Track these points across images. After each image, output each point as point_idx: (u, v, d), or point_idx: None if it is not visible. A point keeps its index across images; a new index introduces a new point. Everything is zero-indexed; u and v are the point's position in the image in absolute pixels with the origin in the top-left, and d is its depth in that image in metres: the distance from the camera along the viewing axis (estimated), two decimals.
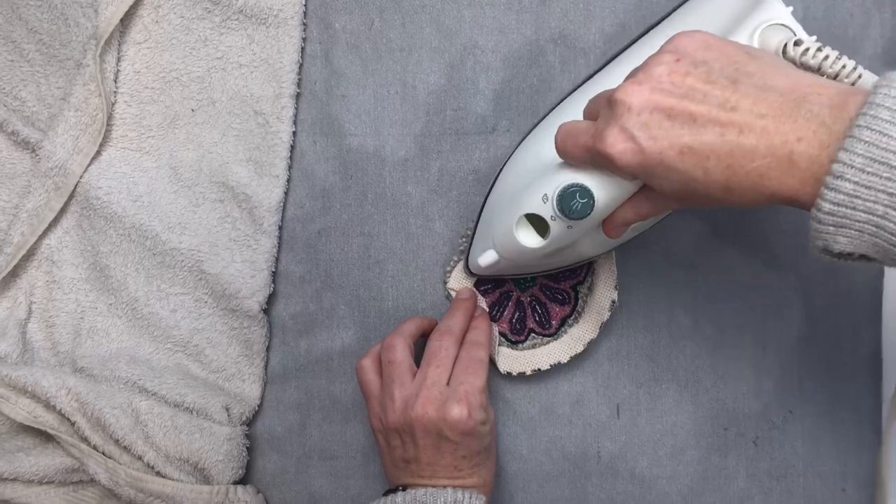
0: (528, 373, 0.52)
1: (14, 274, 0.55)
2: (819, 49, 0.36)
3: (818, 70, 0.36)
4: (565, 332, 0.52)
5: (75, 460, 0.52)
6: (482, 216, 0.49)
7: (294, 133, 0.55)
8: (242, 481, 0.55)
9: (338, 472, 0.55)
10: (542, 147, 0.44)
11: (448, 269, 0.53)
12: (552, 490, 0.53)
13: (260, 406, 0.56)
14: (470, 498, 0.43)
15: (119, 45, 0.54)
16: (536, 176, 0.42)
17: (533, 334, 0.53)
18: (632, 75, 0.35)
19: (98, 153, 0.54)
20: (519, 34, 0.53)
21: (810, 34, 0.50)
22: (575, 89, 0.48)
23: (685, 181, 0.33)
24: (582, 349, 0.52)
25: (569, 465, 0.53)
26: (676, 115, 0.33)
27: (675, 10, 0.45)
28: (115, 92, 0.55)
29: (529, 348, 0.52)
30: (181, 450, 0.51)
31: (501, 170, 0.49)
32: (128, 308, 0.55)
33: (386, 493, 0.46)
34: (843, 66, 0.35)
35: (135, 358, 0.54)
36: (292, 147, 0.55)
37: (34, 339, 0.55)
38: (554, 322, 0.52)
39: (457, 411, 0.44)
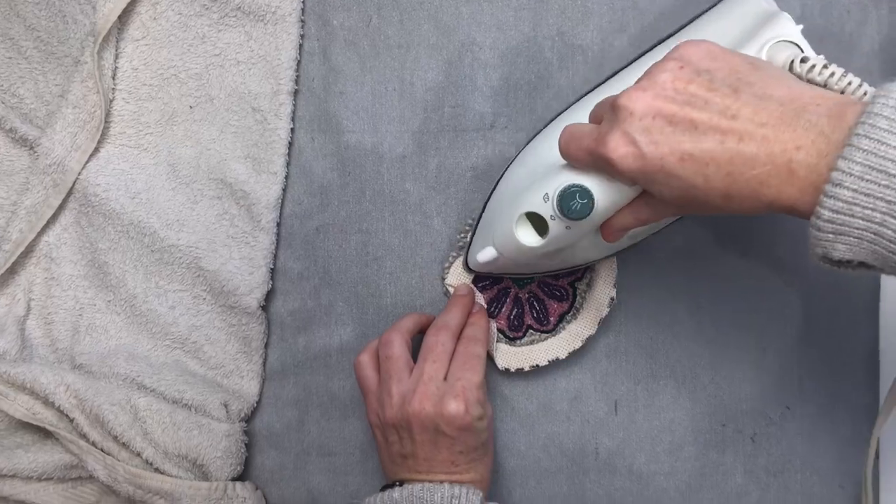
0: (527, 369, 0.52)
1: (12, 271, 0.55)
2: (825, 66, 0.36)
3: (824, 87, 0.37)
4: (563, 328, 0.52)
5: (74, 457, 0.52)
6: (484, 214, 0.49)
7: (292, 130, 0.55)
8: (241, 478, 0.55)
9: (336, 469, 0.55)
10: (546, 149, 0.44)
11: (446, 265, 0.53)
12: (550, 486, 0.53)
13: (258, 403, 0.56)
14: (467, 493, 0.44)
15: (117, 41, 0.54)
16: (539, 176, 0.43)
17: (531, 331, 0.53)
18: (637, 81, 0.36)
19: (96, 150, 0.54)
20: (517, 31, 0.53)
21: (808, 32, 0.50)
22: (584, 95, 0.48)
23: (685, 188, 0.34)
24: (580, 345, 0.52)
25: (567, 462, 0.53)
26: (678, 121, 0.33)
27: (688, 23, 0.46)
28: (113, 89, 0.55)
29: (527, 345, 0.53)
30: (180, 446, 0.52)
31: (506, 170, 0.49)
32: (126, 305, 0.55)
33: (383, 489, 0.46)
34: (849, 83, 0.36)
35: (133, 354, 0.55)
36: (290, 144, 0.55)
37: (33, 336, 0.55)
38: (552, 318, 0.52)
39: (454, 407, 0.44)
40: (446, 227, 0.54)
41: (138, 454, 0.51)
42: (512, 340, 0.53)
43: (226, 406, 0.54)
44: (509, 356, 0.52)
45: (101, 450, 0.52)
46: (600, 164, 0.37)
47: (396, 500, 0.44)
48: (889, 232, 0.29)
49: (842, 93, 0.37)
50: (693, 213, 0.37)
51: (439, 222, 0.54)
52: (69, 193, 0.55)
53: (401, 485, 0.45)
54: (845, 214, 0.30)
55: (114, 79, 0.54)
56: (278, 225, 0.55)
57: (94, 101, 0.53)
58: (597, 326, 0.52)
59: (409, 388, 0.46)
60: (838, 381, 0.51)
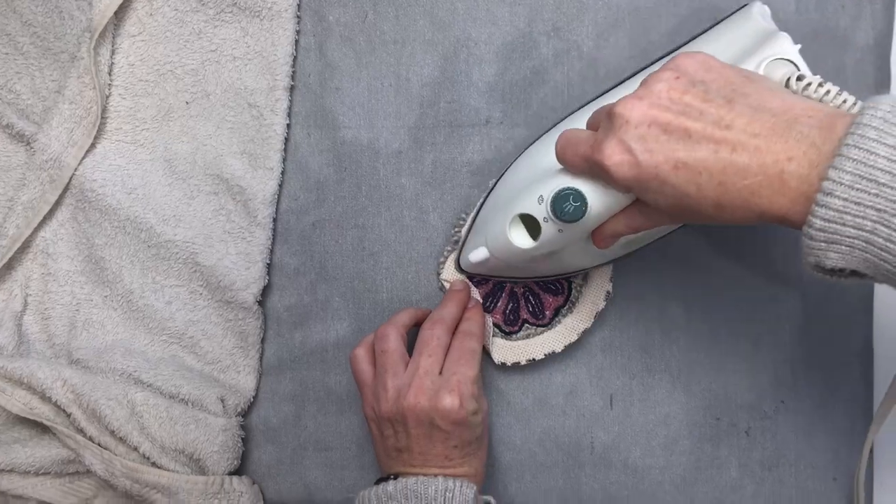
0: (523, 363, 0.52)
1: (9, 266, 0.55)
2: (821, 84, 0.37)
3: None
4: (559, 321, 0.52)
5: (71, 451, 0.52)
6: (479, 216, 0.50)
7: (288, 125, 0.55)
8: (238, 472, 0.55)
9: (332, 463, 0.55)
10: (544, 153, 0.45)
11: (441, 260, 0.54)
12: (546, 480, 0.54)
13: (255, 397, 0.56)
14: (461, 487, 0.44)
15: (113, 37, 0.54)
16: (535, 179, 0.43)
17: (527, 325, 0.53)
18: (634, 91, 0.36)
19: (93, 146, 0.55)
20: (512, 26, 0.53)
21: (803, 27, 0.50)
22: (584, 105, 0.49)
23: (678, 196, 0.34)
24: (576, 338, 0.52)
25: (562, 456, 0.53)
26: (673, 130, 0.34)
27: (688, 41, 0.47)
28: (109, 84, 0.55)
29: (523, 338, 0.53)
30: (177, 441, 0.52)
31: (503, 174, 0.50)
32: (123, 300, 0.55)
33: (377, 482, 0.46)
34: (844, 101, 0.37)
35: (130, 350, 0.55)
36: (286, 139, 0.55)
37: (30, 331, 0.56)
38: (548, 312, 0.53)
39: (448, 401, 0.44)
40: (442, 222, 0.54)
41: (135, 449, 0.51)
42: (508, 335, 0.53)
43: (222, 401, 0.54)
44: (505, 350, 0.52)
45: (99, 444, 0.52)
46: (595, 171, 0.37)
47: (391, 493, 0.44)
48: (879, 239, 0.30)
49: None
50: (686, 222, 0.37)
51: (435, 217, 0.54)
52: (66, 189, 0.55)
53: (395, 478, 0.45)
54: (836, 223, 0.30)
55: (110, 74, 0.55)
56: (274, 220, 0.55)
57: (91, 96, 0.53)
58: (592, 320, 0.52)
59: (404, 382, 0.46)
60: (832, 375, 0.52)
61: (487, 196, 0.50)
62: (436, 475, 0.45)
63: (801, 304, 0.52)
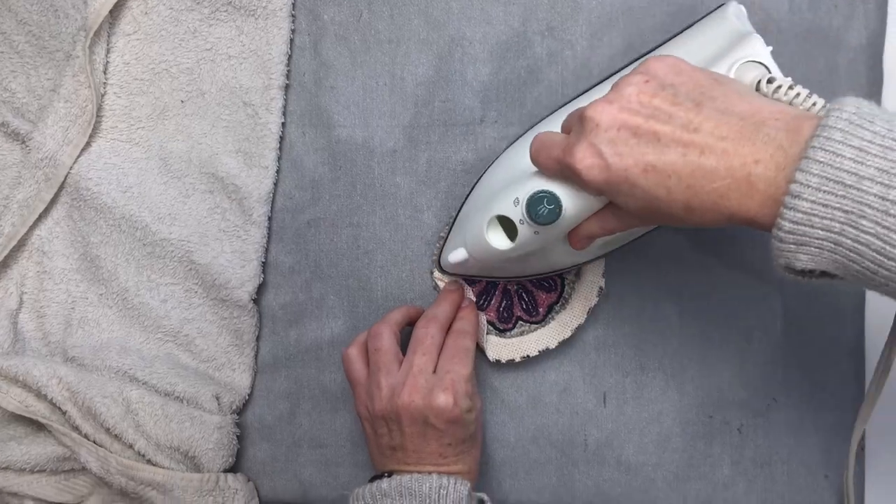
0: (517, 360, 0.52)
1: (5, 264, 0.56)
2: (791, 87, 0.37)
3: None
4: (553, 318, 0.53)
5: (67, 449, 0.53)
6: (458, 217, 0.50)
7: (283, 124, 0.55)
8: (233, 469, 0.55)
9: (327, 460, 0.56)
10: (521, 155, 0.45)
11: (435, 258, 0.54)
12: (539, 477, 0.54)
13: (250, 395, 0.56)
14: (455, 484, 0.44)
15: (108, 36, 0.54)
16: (512, 181, 0.44)
17: (520, 322, 0.53)
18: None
19: (88, 144, 0.55)
20: (506, 26, 0.53)
21: (796, 27, 0.51)
22: (560, 107, 0.50)
23: (648, 199, 0.35)
24: (570, 334, 0.52)
25: (556, 453, 0.54)
26: (642, 133, 0.34)
27: (664, 42, 0.48)
28: (104, 83, 0.55)
29: (517, 335, 0.53)
30: (172, 438, 0.52)
31: (482, 175, 0.50)
32: (118, 298, 0.55)
33: (372, 480, 0.46)
34: (814, 104, 0.37)
35: (125, 348, 0.55)
36: (281, 138, 0.55)
37: (25, 329, 0.56)
38: (541, 309, 0.53)
39: (443, 399, 0.45)
40: (436, 220, 0.54)
41: (130, 446, 0.52)
42: (502, 332, 0.53)
43: (217, 398, 0.54)
44: (500, 348, 0.53)
45: (94, 442, 0.52)
46: (567, 174, 0.38)
47: (385, 490, 0.44)
48: (847, 241, 0.30)
49: None
50: (658, 224, 0.37)
51: (429, 216, 0.54)
52: (61, 187, 0.55)
53: (389, 476, 0.45)
54: (805, 225, 0.31)
55: (105, 73, 0.55)
56: (269, 219, 0.55)
57: (86, 95, 0.53)
58: (586, 315, 0.52)
59: (398, 381, 0.46)
60: (824, 372, 0.52)
61: (467, 197, 0.50)
62: (430, 473, 0.45)
63: (792, 302, 0.52)
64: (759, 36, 0.42)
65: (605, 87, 0.47)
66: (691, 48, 0.45)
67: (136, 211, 0.54)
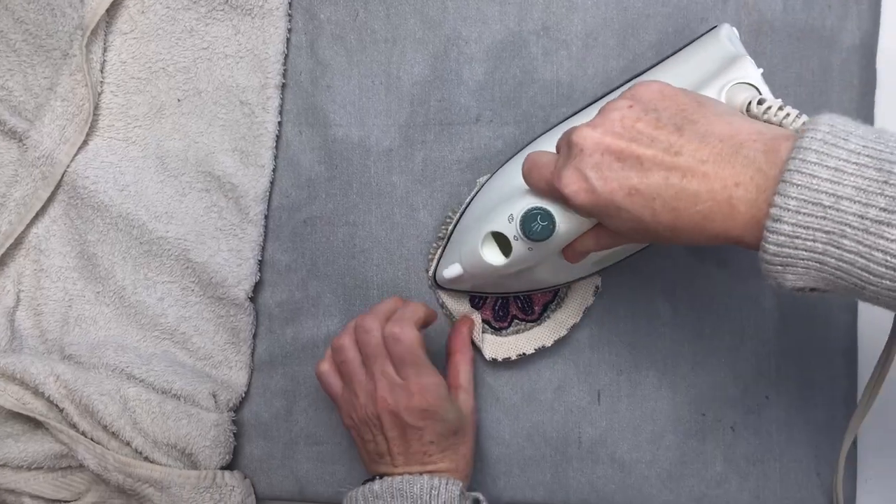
0: (513, 358, 0.53)
1: (2, 262, 0.56)
2: (780, 108, 0.38)
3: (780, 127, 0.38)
4: (548, 317, 0.53)
5: (64, 446, 0.53)
6: (454, 232, 0.51)
7: (279, 123, 0.55)
8: (230, 467, 0.56)
9: (324, 457, 0.56)
10: (516, 173, 0.46)
11: (430, 257, 0.54)
12: (534, 474, 0.54)
13: (247, 393, 0.56)
14: (446, 484, 0.44)
15: (105, 35, 0.55)
16: (506, 197, 0.44)
17: (516, 320, 0.54)
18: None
19: (85, 143, 0.55)
20: (502, 25, 0.53)
21: (789, 26, 0.51)
22: (553, 126, 0.50)
23: (634, 221, 0.35)
24: (565, 333, 0.53)
25: (550, 450, 0.54)
26: (626, 157, 0.35)
27: (656, 63, 0.49)
28: (101, 82, 0.55)
29: (513, 334, 0.53)
30: (169, 436, 0.52)
31: (478, 190, 0.51)
32: (115, 296, 0.56)
33: (364, 482, 0.47)
34: (804, 124, 0.37)
35: (122, 345, 0.55)
36: (278, 137, 0.55)
37: (22, 327, 0.56)
38: (536, 308, 0.53)
39: (413, 400, 0.45)
40: (432, 219, 0.54)
41: (128, 443, 0.52)
42: (498, 331, 0.54)
43: (214, 396, 0.54)
44: (496, 346, 0.53)
45: (91, 439, 0.52)
46: (557, 196, 0.38)
47: (377, 492, 0.45)
48: (831, 260, 0.30)
49: None
50: (649, 242, 0.38)
51: (425, 215, 0.55)
52: (58, 186, 0.55)
53: (381, 478, 0.46)
54: (788, 247, 0.31)
55: (102, 72, 0.55)
56: (266, 217, 0.55)
57: (83, 94, 0.53)
58: (581, 314, 0.52)
59: (371, 387, 0.46)
60: (816, 370, 0.52)
61: (463, 212, 0.51)
62: (421, 473, 0.45)
63: (785, 300, 0.52)
64: (750, 58, 0.42)
65: (599, 105, 0.48)
66: (683, 70, 0.46)
67: (132, 209, 0.55)
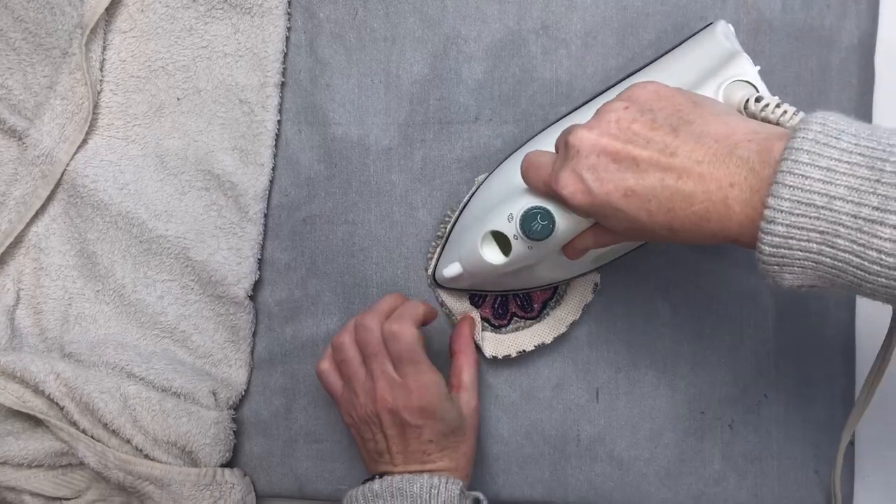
0: (514, 355, 0.53)
1: (2, 261, 0.56)
2: (778, 105, 0.38)
3: (777, 124, 0.38)
4: (547, 314, 0.53)
5: (64, 444, 0.53)
6: (453, 232, 0.51)
7: (279, 122, 0.55)
8: (229, 464, 0.56)
9: (323, 455, 0.56)
10: (514, 172, 0.46)
11: (430, 255, 0.54)
12: (532, 472, 0.54)
13: (246, 391, 0.56)
14: (446, 483, 0.44)
15: (105, 33, 0.55)
16: (505, 197, 0.44)
17: (516, 318, 0.54)
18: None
19: (84, 141, 0.55)
20: (501, 24, 0.53)
21: (788, 25, 0.51)
22: (552, 123, 0.51)
23: (631, 220, 0.35)
24: (565, 330, 0.53)
25: (549, 448, 0.54)
26: (621, 158, 0.35)
27: (653, 60, 0.49)
28: (100, 80, 0.55)
29: (513, 331, 0.53)
30: (169, 433, 0.52)
31: (476, 190, 0.51)
32: (115, 295, 0.56)
33: (365, 482, 0.47)
34: (797, 124, 0.37)
35: (122, 343, 0.55)
36: (277, 136, 0.55)
37: (22, 325, 0.56)
38: (536, 305, 0.53)
39: (411, 399, 0.45)
40: (431, 218, 0.55)
41: (128, 441, 0.52)
42: (497, 329, 0.54)
43: (214, 394, 0.55)
44: (496, 344, 0.53)
45: (92, 437, 0.52)
46: (554, 197, 0.38)
47: (377, 491, 0.45)
48: (827, 259, 0.31)
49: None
50: (647, 241, 0.38)
51: (424, 213, 0.55)
52: (58, 184, 0.55)
53: (381, 477, 0.46)
54: (783, 248, 0.31)
55: (101, 70, 0.55)
56: (265, 216, 0.56)
57: (82, 92, 0.54)
58: (581, 311, 0.53)
59: (370, 385, 0.46)
60: (815, 368, 0.52)
61: (461, 211, 0.51)
62: (420, 472, 0.45)
63: (783, 298, 0.53)
64: (747, 55, 0.42)
65: (597, 102, 0.48)
66: (680, 67, 0.46)
67: (132, 208, 0.55)
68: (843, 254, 0.30)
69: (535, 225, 0.41)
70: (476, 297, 0.54)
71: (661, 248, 0.53)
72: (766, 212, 0.31)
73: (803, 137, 0.31)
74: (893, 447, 0.52)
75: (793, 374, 0.53)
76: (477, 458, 0.54)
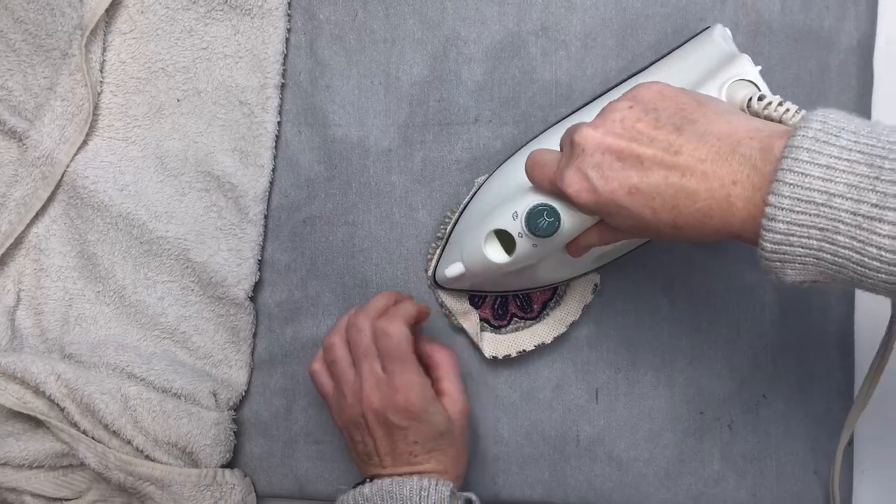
0: (514, 355, 0.53)
1: (2, 262, 0.56)
2: (780, 103, 0.38)
3: (779, 122, 0.38)
4: (547, 314, 0.53)
5: (65, 445, 0.53)
6: (454, 232, 0.51)
7: (279, 123, 0.55)
8: (230, 465, 0.56)
9: (323, 456, 0.56)
10: (518, 171, 0.46)
11: (429, 256, 0.54)
12: (532, 472, 0.55)
13: (247, 391, 0.57)
14: (436, 485, 0.44)
15: (105, 35, 0.55)
16: (509, 195, 0.44)
17: (515, 318, 0.54)
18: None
19: (84, 143, 0.55)
20: (501, 25, 0.53)
21: (787, 27, 0.51)
22: (551, 125, 0.51)
23: (636, 218, 0.36)
24: (565, 330, 0.53)
25: (548, 448, 0.54)
26: (626, 157, 0.35)
27: (654, 62, 0.49)
28: (101, 82, 0.55)
29: (513, 332, 0.53)
30: (170, 434, 0.52)
31: (477, 190, 0.51)
32: (115, 296, 0.56)
33: (355, 486, 0.47)
34: (798, 122, 0.38)
35: (123, 344, 0.55)
36: (277, 137, 0.55)
37: (23, 326, 0.56)
38: (535, 306, 0.53)
39: (397, 399, 0.45)
40: (431, 219, 0.55)
41: (129, 442, 0.52)
42: (497, 329, 0.54)
43: (215, 395, 0.55)
44: (496, 344, 0.53)
45: (92, 438, 0.52)
46: (559, 195, 0.39)
47: (367, 495, 0.45)
48: (828, 256, 0.31)
49: None
50: (652, 238, 0.38)
51: (424, 215, 0.55)
52: (58, 185, 0.55)
53: (371, 480, 0.46)
54: (785, 245, 0.31)
55: (102, 72, 0.55)
56: (266, 217, 0.56)
57: (83, 93, 0.54)
58: (580, 311, 0.53)
59: (358, 386, 0.46)
60: (813, 369, 0.53)
61: (462, 211, 0.51)
62: (410, 475, 0.45)
63: (781, 298, 0.53)
64: (747, 56, 0.43)
65: (598, 103, 0.48)
66: (681, 68, 0.46)
67: (132, 209, 0.55)
68: (843, 250, 0.30)
69: (541, 222, 0.41)
70: (476, 298, 0.54)
71: (662, 248, 0.53)
72: (767, 209, 0.31)
73: (803, 136, 0.31)
74: (892, 445, 0.53)
75: (791, 373, 0.53)
76: (476, 458, 0.54)
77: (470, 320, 0.54)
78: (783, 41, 0.51)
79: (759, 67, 0.42)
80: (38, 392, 0.53)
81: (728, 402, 0.53)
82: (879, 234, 0.29)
